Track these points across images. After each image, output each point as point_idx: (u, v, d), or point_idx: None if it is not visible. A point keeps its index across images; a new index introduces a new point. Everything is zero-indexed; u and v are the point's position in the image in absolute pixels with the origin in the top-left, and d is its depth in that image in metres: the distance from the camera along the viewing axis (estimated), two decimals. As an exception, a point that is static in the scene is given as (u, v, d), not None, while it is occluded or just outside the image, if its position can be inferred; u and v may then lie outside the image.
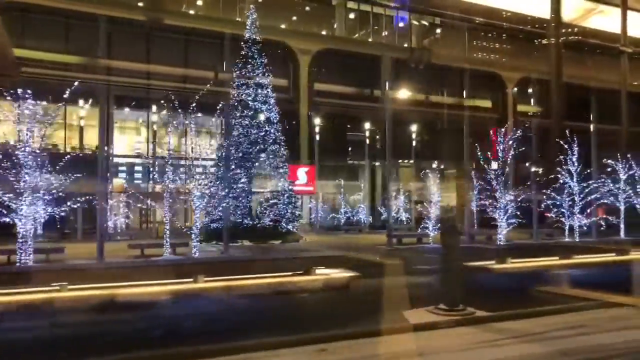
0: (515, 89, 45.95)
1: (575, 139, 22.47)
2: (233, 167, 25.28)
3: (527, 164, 28.35)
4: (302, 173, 38.84)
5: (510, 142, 19.61)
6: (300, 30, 39.57)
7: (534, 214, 24.53)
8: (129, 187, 30.19)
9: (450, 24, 43.81)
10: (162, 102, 21.50)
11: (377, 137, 42.38)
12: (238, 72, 26.43)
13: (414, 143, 41.47)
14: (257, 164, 25.59)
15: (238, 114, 25.91)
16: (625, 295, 10.85)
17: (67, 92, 13.58)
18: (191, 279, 12.24)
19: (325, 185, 42.10)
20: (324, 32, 41.70)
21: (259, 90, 26.26)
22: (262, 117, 26.04)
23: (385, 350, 7.13)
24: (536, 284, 13.42)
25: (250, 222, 24.80)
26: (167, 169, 17.08)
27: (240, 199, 25.04)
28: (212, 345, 6.83)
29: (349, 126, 42.43)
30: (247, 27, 26.94)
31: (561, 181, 22.28)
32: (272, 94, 26.83)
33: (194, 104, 17.09)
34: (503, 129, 19.95)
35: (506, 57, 46.31)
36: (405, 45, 42.63)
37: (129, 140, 35.62)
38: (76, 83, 14.33)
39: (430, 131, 43.20)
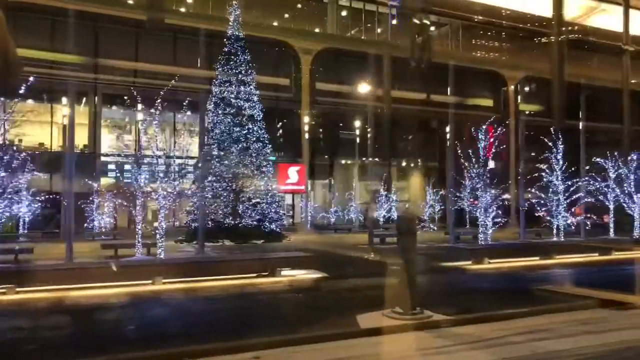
0: (512, 86, 45.57)
1: (560, 136, 21.99)
2: (214, 165, 24.90)
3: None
4: (293, 172, 38.43)
5: (492, 140, 19.14)
6: (302, 30, 39.29)
7: (521, 213, 24.05)
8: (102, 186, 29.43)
9: (452, 22, 43.52)
10: (124, 99, 20.88)
11: (370, 136, 42.27)
12: (220, 69, 25.94)
13: (408, 142, 41.08)
14: (239, 162, 25.11)
15: (220, 112, 25.46)
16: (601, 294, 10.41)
17: (24, 87, 13.10)
18: (150, 281, 11.86)
19: (319, 184, 41.73)
20: (326, 32, 41.41)
21: (242, 88, 25.79)
22: (245, 114, 25.57)
23: (320, 358, 6.70)
24: (511, 284, 13.04)
25: (232, 222, 24.34)
26: (135, 168, 16.57)
27: (221, 198, 24.61)
28: (133, 353, 6.41)
29: (341, 124, 42.03)
30: (230, 23, 26.47)
31: (545, 179, 21.80)
32: (255, 91, 26.35)
33: (159, 100, 16.53)
34: (484, 127, 19.45)
35: (507, 55, 45.87)
36: (398, 42, 42.10)
37: (104, 139, 34.88)
38: (31, 78, 13.90)
39: (424, 130, 42.72)
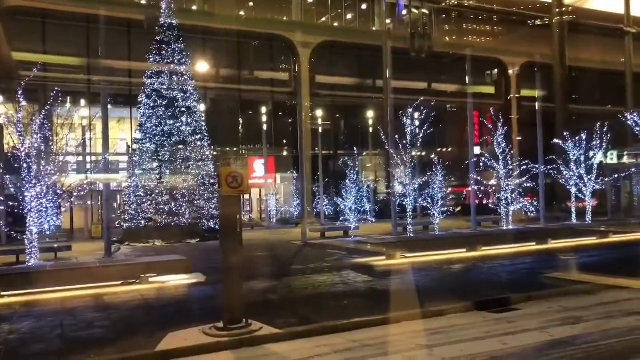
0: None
1: (501, 118, 20.41)
2: (146, 161, 23.61)
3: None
4: (259, 165, 37.12)
5: (418, 124, 17.58)
6: (301, 23, 38.02)
7: (472, 201, 22.65)
8: None
9: (450, 9, 42.32)
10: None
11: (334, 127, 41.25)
12: (152, 59, 24.46)
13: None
14: (173, 157, 23.73)
15: (152, 104, 24.03)
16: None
17: None
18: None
19: (286, 177, 40.33)
20: (324, 25, 40.08)
21: (175, 78, 24.34)
22: (179, 106, 24.12)
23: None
24: (401, 284, 11.58)
25: (165, 221, 23.00)
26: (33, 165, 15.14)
27: (153, 195, 23.27)
28: None
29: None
30: (163, 11, 24.97)
31: (482, 164, 20.35)
32: (190, 81, 24.88)
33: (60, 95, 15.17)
34: (410, 109, 17.85)
35: (506, 42, 44.32)
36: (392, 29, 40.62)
37: None
38: None
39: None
